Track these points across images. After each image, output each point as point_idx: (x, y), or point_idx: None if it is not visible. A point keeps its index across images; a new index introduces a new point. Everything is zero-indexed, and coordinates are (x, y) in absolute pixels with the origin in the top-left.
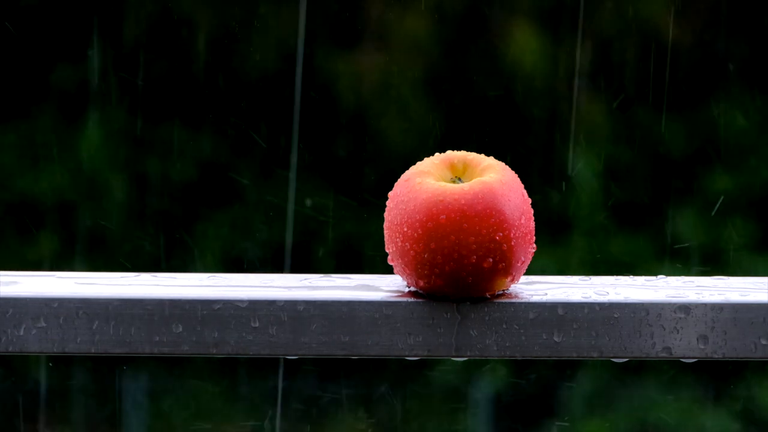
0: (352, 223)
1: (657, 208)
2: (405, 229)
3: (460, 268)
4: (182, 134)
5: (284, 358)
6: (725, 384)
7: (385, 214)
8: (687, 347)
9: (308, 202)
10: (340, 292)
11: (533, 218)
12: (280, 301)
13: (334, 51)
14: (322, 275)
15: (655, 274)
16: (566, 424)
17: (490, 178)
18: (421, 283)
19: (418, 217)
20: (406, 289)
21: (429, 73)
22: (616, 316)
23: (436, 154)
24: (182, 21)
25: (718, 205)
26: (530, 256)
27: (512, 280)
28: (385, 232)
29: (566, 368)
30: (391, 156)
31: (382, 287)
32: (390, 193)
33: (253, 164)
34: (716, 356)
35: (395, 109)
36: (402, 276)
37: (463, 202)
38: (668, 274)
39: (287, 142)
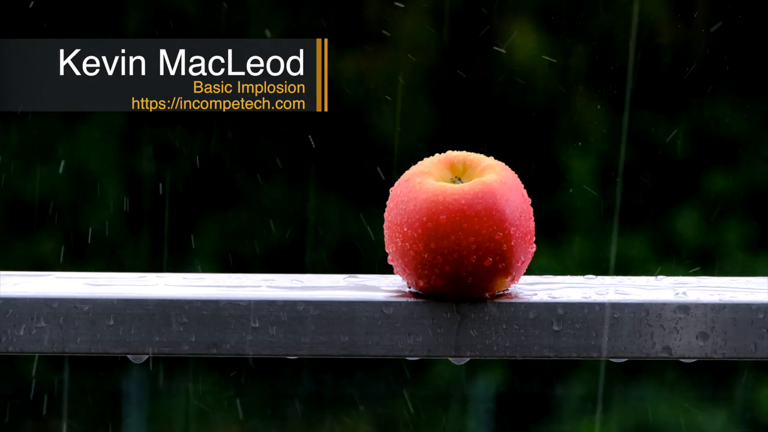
0: (351, 223)
1: (656, 208)
2: (405, 229)
3: (460, 268)
4: (182, 134)
5: (284, 358)
6: (725, 384)
7: (385, 214)
8: (687, 347)
9: (307, 201)
10: (340, 292)
11: (533, 218)
12: (280, 301)
13: (334, 50)
14: (322, 275)
15: (655, 274)
16: (565, 424)
17: (490, 178)
18: (421, 283)
19: (417, 217)
20: (406, 289)
21: (429, 73)
22: (616, 316)
23: (436, 154)
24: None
25: (717, 205)
26: (530, 256)
27: (512, 280)
28: (385, 232)
29: (566, 368)
30: (391, 156)
31: (382, 287)
32: (390, 193)
33: (253, 164)
34: (716, 356)
35: (395, 108)
36: (402, 276)
37: (463, 202)
38: (667, 274)
39: (286, 142)
